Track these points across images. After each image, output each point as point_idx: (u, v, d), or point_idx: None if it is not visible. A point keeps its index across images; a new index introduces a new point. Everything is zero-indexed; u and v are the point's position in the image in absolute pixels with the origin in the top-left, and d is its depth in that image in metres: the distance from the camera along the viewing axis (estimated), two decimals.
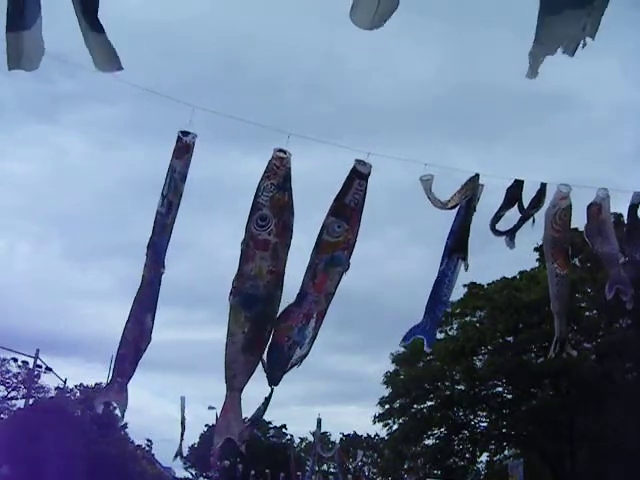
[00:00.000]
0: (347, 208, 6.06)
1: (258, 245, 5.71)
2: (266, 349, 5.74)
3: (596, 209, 7.14)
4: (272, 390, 5.72)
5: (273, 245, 5.73)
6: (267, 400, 5.70)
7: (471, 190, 6.75)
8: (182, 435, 24.97)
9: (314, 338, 5.89)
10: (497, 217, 7.30)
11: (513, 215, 7.35)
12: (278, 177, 5.76)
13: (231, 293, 5.74)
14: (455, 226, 6.96)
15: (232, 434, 5.55)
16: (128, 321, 5.76)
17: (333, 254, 5.99)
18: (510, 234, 7.35)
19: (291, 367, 5.82)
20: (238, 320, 5.67)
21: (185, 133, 5.70)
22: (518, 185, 7.09)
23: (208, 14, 77.84)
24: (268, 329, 5.74)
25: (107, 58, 4.09)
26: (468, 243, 6.94)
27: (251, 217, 5.77)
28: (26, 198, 78.34)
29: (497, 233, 7.36)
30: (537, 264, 26.16)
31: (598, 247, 7.27)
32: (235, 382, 5.62)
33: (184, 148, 5.62)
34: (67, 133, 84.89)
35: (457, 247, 6.93)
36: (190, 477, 59.96)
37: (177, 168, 5.62)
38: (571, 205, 6.92)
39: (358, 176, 6.09)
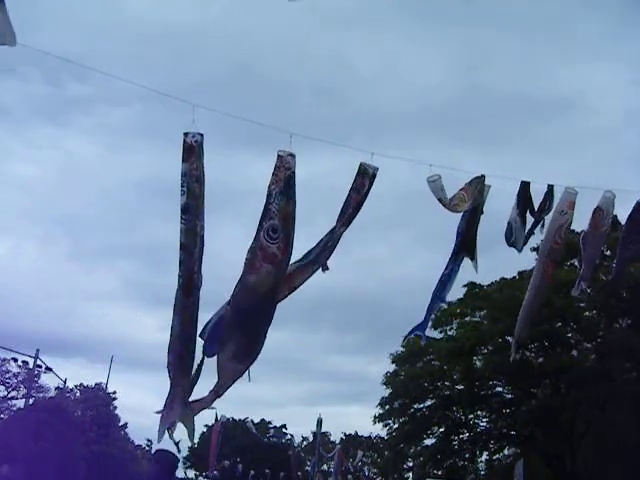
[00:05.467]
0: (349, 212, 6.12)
1: (266, 258, 5.53)
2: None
3: (599, 215, 7.18)
4: (203, 358, 5.61)
5: (279, 261, 5.58)
6: (200, 366, 5.60)
7: (479, 193, 6.72)
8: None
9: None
10: (510, 228, 7.29)
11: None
12: (282, 182, 5.60)
13: (229, 303, 5.60)
14: (462, 228, 6.96)
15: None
16: (172, 334, 5.52)
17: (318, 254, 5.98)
18: (524, 241, 7.40)
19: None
20: (230, 329, 5.58)
21: (190, 134, 5.49)
22: (525, 187, 7.04)
23: (220, 19, 78.16)
24: (259, 342, 5.69)
25: (4, 32, 4.12)
26: (476, 244, 6.97)
27: (262, 224, 5.57)
28: (34, 200, 78.70)
29: (512, 244, 7.37)
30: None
31: (586, 250, 7.62)
32: (220, 389, 5.59)
33: (191, 149, 5.45)
34: (76, 136, 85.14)
35: (464, 248, 6.96)
36: (190, 477, 59.97)
37: (187, 170, 5.45)
38: (572, 220, 7.07)
39: (369, 179, 6.10)
